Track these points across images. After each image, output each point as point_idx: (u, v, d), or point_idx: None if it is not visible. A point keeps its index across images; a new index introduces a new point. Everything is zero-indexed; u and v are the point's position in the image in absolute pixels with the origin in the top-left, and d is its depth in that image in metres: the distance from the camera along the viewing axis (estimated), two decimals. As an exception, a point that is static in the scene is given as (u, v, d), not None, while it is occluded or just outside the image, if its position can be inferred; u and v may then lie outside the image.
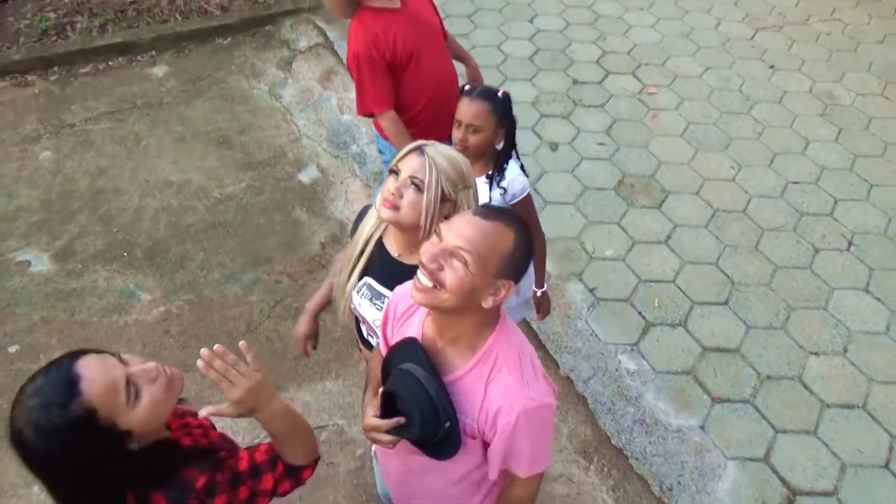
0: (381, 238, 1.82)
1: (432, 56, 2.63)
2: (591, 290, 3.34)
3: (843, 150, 4.12)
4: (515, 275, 1.34)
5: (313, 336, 2.16)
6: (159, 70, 4.74)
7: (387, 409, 1.44)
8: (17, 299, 3.30)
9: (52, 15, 5.01)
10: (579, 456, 2.77)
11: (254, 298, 3.32)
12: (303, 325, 2.10)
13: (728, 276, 3.41)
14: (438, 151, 1.64)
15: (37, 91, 4.55)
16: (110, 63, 4.78)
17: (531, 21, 5.12)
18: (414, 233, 1.68)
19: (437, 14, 2.76)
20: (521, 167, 2.31)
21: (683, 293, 3.33)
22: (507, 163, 2.26)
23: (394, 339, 1.57)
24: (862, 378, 3.01)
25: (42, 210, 3.74)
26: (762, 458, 2.74)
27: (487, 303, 1.32)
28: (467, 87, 2.21)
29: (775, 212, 3.74)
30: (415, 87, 2.61)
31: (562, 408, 2.93)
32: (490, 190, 2.23)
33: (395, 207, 1.64)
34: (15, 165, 4.00)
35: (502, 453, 1.42)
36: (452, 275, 1.28)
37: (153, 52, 4.86)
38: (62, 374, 1.15)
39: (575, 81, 4.58)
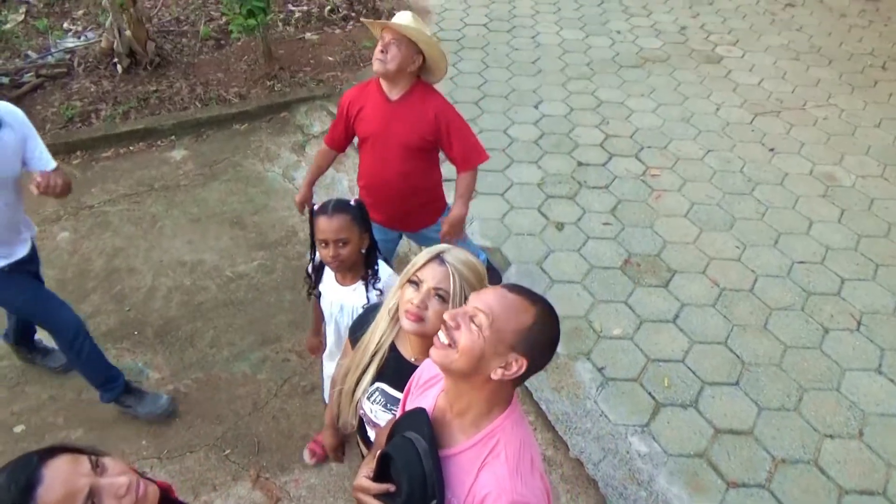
0: (393, 342, 1.80)
1: (380, 155, 2.83)
2: (600, 370, 3.32)
3: (846, 230, 4.17)
4: (530, 353, 1.34)
5: (341, 446, 2.29)
6: (178, 154, 4.92)
7: (381, 473, 1.45)
8: (27, 378, 3.32)
9: (77, 103, 5.25)
10: (591, 543, 2.68)
11: (262, 377, 3.32)
12: (328, 440, 2.22)
13: (738, 356, 3.39)
14: (457, 257, 1.66)
15: (59, 174, 4.71)
16: (131, 147, 4.97)
17: (536, 107, 5.32)
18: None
19: (426, 136, 2.80)
20: (386, 261, 2.41)
21: (693, 373, 3.30)
22: (378, 264, 2.32)
23: (410, 406, 1.58)
24: (880, 462, 2.93)
25: (57, 289, 3.78)
26: (781, 547, 2.65)
27: (496, 374, 1.33)
28: (318, 206, 2.24)
29: (783, 291, 3.75)
30: (361, 163, 2.98)
31: (572, 491, 2.86)
32: (367, 292, 2.28)
33: (420, 319, 1.63)
34: (33, 245, 4.10)
35: None
36: (467, 335, 1.33)
37: (173, 137, 5.05)
38: (26, 474, 1.13)
39: (580, 163, 4.71)
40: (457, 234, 2.96)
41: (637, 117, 5.22)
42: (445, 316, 1.37)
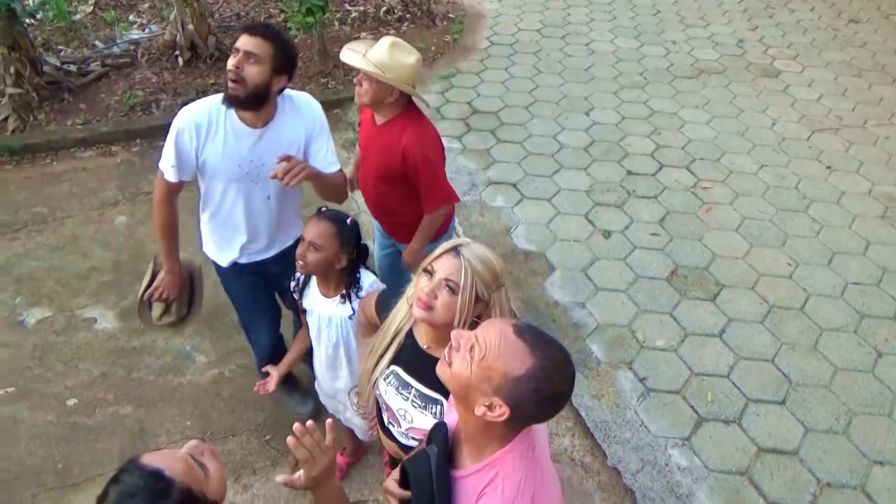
0: (411, 328, 1.84)
1: (364, 170, 2.80)
2: (642, 380, 3.28)
3: (905, 252, 4.04)
4: (514, 403, 1.27)
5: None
6: (232, 146, 5.03)
7: (404, 479, 1.50)
8: (81, 354, 3.44)
9: (140, 93, 5.42)
10: (626, 553, 2.65)
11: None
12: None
13: (785, 375, 3.31)
14: (473, 253, 1.66)
15: (119, 160, 4.88)
16: (188, 137, 5.10)
17: (587, 114, 5.29)
18: (445, 329, 1.69)
19: (400, 167, 2.64)
20: (372, 271, 2.39)
21: (738, 389, 3.24)
22: (359, 275, 2.30)
23: (447, 415, 1.60)
24: (932, 492, 2.83)
25: (112, 271, 3.94)
26: (823, 572, 2.57)
27: (479, 411, 1.29)
28: (322, 210, 2.24)
29: (835, 312, 3.65)
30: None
31: (608, 500, 2.83)
32: (350, 302, 2.27)
33: (429, 308, 1.66)
34: (92, 228, 4.25)
35: None
36: (459, 362, 1.32)
37: (228, 129, 5.17)
38: (142, 473, 1.16)
39: (629, 172, 4.67)
40: (410, 266, 2.84)
41: (690, 128, 5.15)
42: (453, 334, 1.36)
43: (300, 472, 1.32)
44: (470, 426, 1.39)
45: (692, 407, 3.16)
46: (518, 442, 1.37)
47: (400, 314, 1.84)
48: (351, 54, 2.51)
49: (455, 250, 1.67)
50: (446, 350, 1.36)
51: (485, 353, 1.28)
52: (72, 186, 4.60)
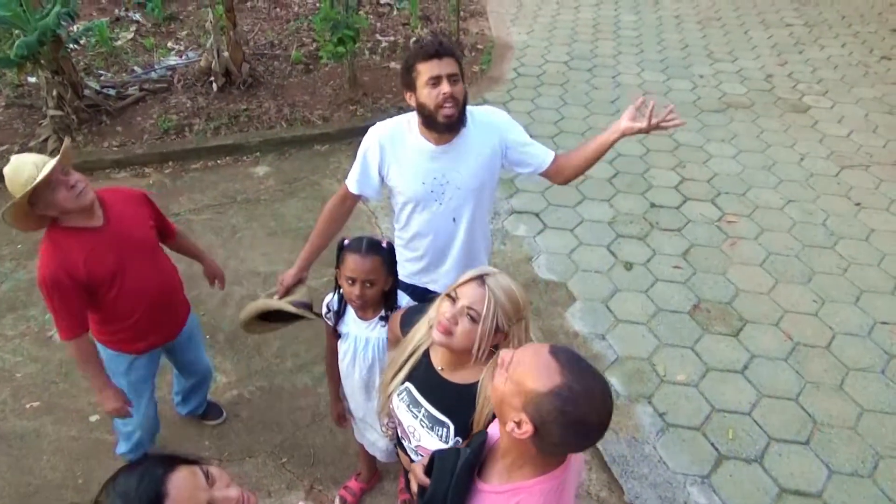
0: (427, 348, 1.86)
1: (144, 268, 2.47)
2: (661, 415, 3.24)
3: (936, 293, 3.95)
4: (539, 421, 1.26)
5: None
6: (261, 170, 5.15)
7: (430, 467, 1.55)
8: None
9: (174, 117, 5.58)
10: (641, 593, 2.59)
11: (322, 391, 3.38)
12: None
13: (809, 415, 3.24)
14: (498, 283, 1.66)
15: (151, 182, 5.01)
16: (219, 161, 5.24)
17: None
18: (462, 355, 1.72)
19: (154, 218, 2.58)
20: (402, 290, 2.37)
21: (760, 427, 3.17)
22: (397, 301, 2.29)
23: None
24: (963, 542, 2.73)
25: (140, 289, 4.02)
26: None
27: (508, 427, 1.31)
28: (348, 242, 2.17)
29: (862, 351, 3.57)
30: (123, 302, 2.44)
31: (624, 537, 2.78)
32: (388, 324, 2.25)
33: (449, 333, 1.67)
34: (122, 246, 4.35)
35: None
36: (498, 377, 1.35)
37: (258, 154, 5.30)
38: (153, 486, 1.16)
39: (653, 205, 4.66)
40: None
41: (716, 162, 5.13)
42: (501, 353, 1.38)
43: None
44: (505, 443, 1.40)
45: (712, 444, 3.11)
46: (550, 478, 1.35)
47: (419, 333, 1.86)
48: None
49: (480, 279, 1.67)
50: (495, 368, 1.40)
51: (518, 367, 1.30)
52: (105, 206, 4.72)
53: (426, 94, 2.20)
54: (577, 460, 1.50)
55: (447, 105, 2.18)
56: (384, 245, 2.20)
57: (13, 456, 3.14)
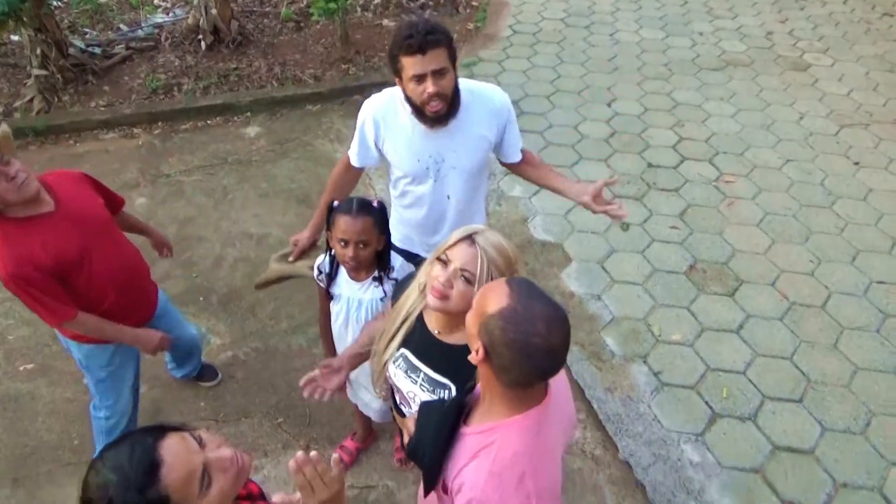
0: (421, 313, 1.83)
1: (107, 248, 2.36)
2: (656, 374, 3.24)
3: (933, 252, 3.94)
4: (490, 345, 1.29)
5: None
6: (252, 130, 5.06)
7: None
8: (98, 332, 3.47)
9: (162, 76, 5.46)
10: (634, 547, 2.63)
11: (317, 351, 3.37)
12: (337, 381, 1.96)
13: (803, 373, 3.25)
14: (489, 241, 1.64)
15: (140, 143, 4.92)
16: (209, 121, 5.14)
17: (609, 105, 5.22)
18: (458, 317, 1.68)
19: (101, 195, 2.47)
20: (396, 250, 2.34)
21: (754, 386, 3.19)
22: (391, 261, 2.27)
23: None
24: (952, 497, 2.77)
25: (131, 251, 3.97)
26: (836, 574, 2.53)
27: (471, 357, 1.35)
28: (338, 204, 2.14)
29: (858, 311, 3.57)
30: (94, 287, 2.33)
31: (619, 494, 2.81)
32: (382, 285, 2.24)
33: (445, 297, 1.65)
34: (113, 208, 4.29)
35: None
36: (469, 313, 1.41)
37: (248, 114, 5.20)
38: (146, 454, 1.14)
39: (650, 165, 4.60)
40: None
41: (714, 121, 5.06)
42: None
43: (299, 495, 1.29)
44: (482, 386, 1.42)
45: (707, 402, 3.12)
46: (524, 417, 1.37)
47: (410, 299, 1.83)
48: None
49: (470, 238, 1.65)
50: None
51: (478, 296, 1.36)
52: (94, 167, 4.64)
53: (411, 90, 2.12)
54: (559, 407, 1.49)
55: (433, 102, 2.12)
56: (375, 205, 2.17)
57: (8, 418, 3.13)
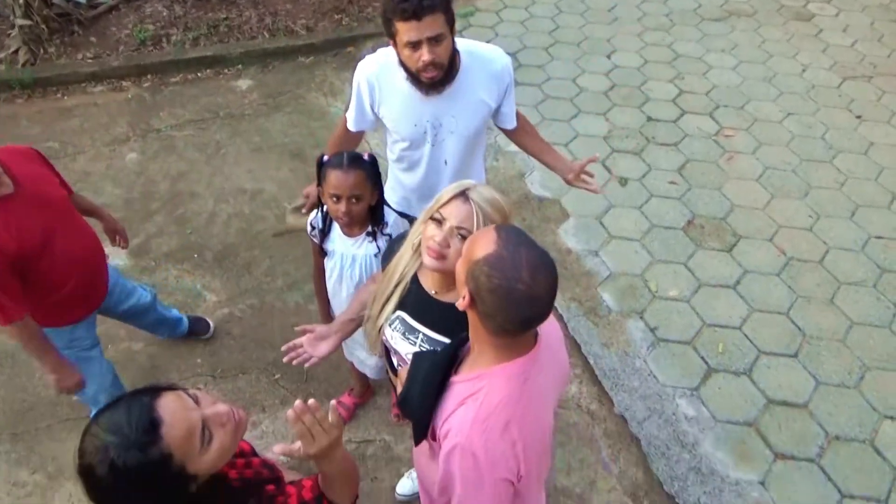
0: (416, 273, 1.80)
1: (67, 231, 2.26)
2: (652, 330, 3.25)
3: (932, 207, 3.92)
4: (476, 291, 1.28)
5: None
6: (244, 83, 4.95)
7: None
8: (92, 289, 3.45)
9: (150, 27, 5.30)
10: (628, 498, 2.67)
11: (313, 308, 3.35)
12: (326, 347, 1.90)
13: (799, 328, 3.26)
14: (482, 195, 1.61)
15: (130, 96, 4.81)
16: (199, 74, 5.02)
17: (609, 57, 5.11)
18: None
19: (58, 175, 2.36)
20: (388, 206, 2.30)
21: (750, 341, 3.20)
22: (385, 216, 2.23)
23: None
24: (942, 449, 2.81)
25: (124, 208, 3.93)
26: (826, 523, 2.59)
27: (458, 302, 1.35)
28: (328, 158, 2.09)
29: (855, 266, 3.57)
30: (57, 269, 2.23)
31: (614, 447, 2.84)
32: (376, 240, 2.21)
33: (442, 257, 1.62)
34: (103, 164, 4.23)
35: (441, 476, 1.42)
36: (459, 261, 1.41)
37: (240, 66, 5.07)
38: (144, 414, 1.12)
39: (649, 119, 4.53)
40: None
41: (715, 74, 4.96)
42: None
43: (300, 444, 1.29)
44: (471, 334, 1.42)
45: (702, 358, 3.13)
46: (512, 365, 1.37)
47: (403, 260, 1.80)
48: None
49: (463, 195, 1.61)
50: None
51: (467, 243, 1.36)
52: (83, 122, 4.56)
53: (406, 56, 2.04)
54: (550, 356, 1.48)
55: (429, 70, 2.03)
56: (366, 157, 2.11)
57: (5, 374, 3.13)
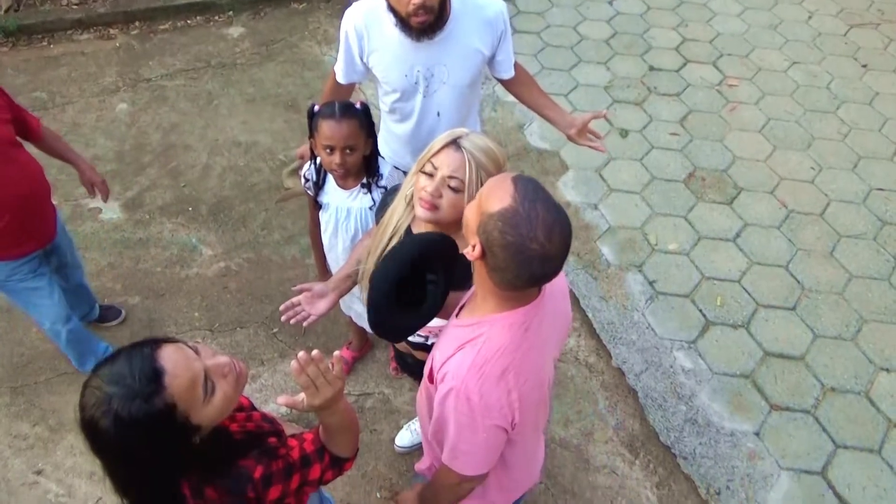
0: (409, 226, 1.77)
1: (2, 167, 2.20)
2: (651, 283, 3.24)
3: (935, 158, 3.87)
4: (487, 244, 1.25)
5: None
6: (235, 31, 4.81)
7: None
8: (87, 244, 3.42)
9: (137, -29, 5.12)
10: (625, 449, 2.70)
11: (310, 262, 3.33)
12: (324, 305, 1.85)
13: (798, 281, 3.26)
14: (475, 144, 1.57)
15: (118, 44, 4.68)
16: (189, 21, 4.87)
17: (610, 3, 4.97)
18: (450, 227, 1.63)
19: (7, 110, 2.27)
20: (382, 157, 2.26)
21: (748, 294, 3.20)
22: (380, 167, 2.18)
23: None
24: (935, 400, 2.84)
25: (115, 160, 3.86)
26: (819, 472, 2.62)
27: (467, 250, 1.32)
28: (319, 108, 2.05)
29: (855, 218, 3.55)
30: None
31: (611, 399, 2.86)
32: (371, 192, 2.17)
33: (435, 208, 1.58)
34: (93, 116, 4.13)
35: (435, 418, 1.43)
36: (469, 206, 1.37)
37: (230, 13, 4.93)
38: (146, 364, 1.11)
39: (651, 68, 4.43)
40: None
41: (719, 21, 4.84)
42: None
43: (303, 395, 1.28)
44: (474, 281, 1.40)
45: (700, 311, 3.14)
46: (513, 314, 1.36)
47: (397, 213, 1.76)
48: None
49: (455, 143, 1.57)
50: None
51: (481, 192, 1.30)
52: (70, 71, 4.44)
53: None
54: (553, 306, 1.47)
55: (419, 13, 1.94)
56: (358, 106, 2.05)
57: (2, 328, 3.12)
